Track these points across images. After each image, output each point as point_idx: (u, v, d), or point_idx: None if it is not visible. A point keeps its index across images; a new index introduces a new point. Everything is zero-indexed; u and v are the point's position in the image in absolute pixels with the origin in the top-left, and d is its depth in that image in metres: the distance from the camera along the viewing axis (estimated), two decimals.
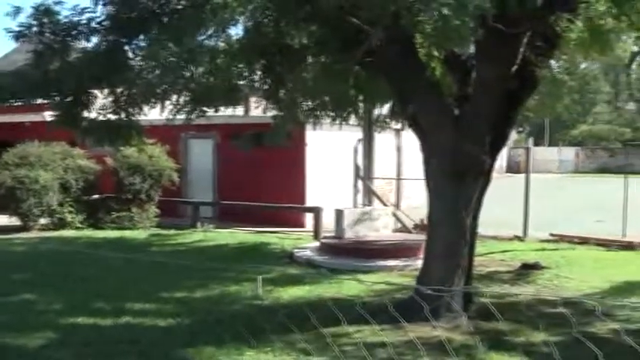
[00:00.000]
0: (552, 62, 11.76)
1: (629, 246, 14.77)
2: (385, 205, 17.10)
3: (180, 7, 7.97)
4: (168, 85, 8.59)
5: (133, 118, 9.73)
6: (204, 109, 9.68)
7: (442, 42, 6.32)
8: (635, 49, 10.03)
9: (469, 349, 7.28)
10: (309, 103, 11.04)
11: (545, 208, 22.21)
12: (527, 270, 12.04)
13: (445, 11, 5.03)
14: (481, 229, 15.50)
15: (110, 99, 9.49)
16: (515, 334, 7.79)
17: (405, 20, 5.59)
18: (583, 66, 55.92)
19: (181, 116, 9.77)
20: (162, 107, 9.38)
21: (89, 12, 8.75)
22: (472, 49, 8.45)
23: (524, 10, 6.78)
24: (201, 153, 21.38)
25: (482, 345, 7.25)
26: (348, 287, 10.08)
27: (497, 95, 8.00)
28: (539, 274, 11.76)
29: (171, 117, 9.71)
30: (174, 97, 9.37)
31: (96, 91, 9.49)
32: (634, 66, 11.37)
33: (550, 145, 63.37)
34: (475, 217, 8.74)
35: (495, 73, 7.83)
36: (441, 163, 8.28)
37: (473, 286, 9.20)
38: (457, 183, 8.16)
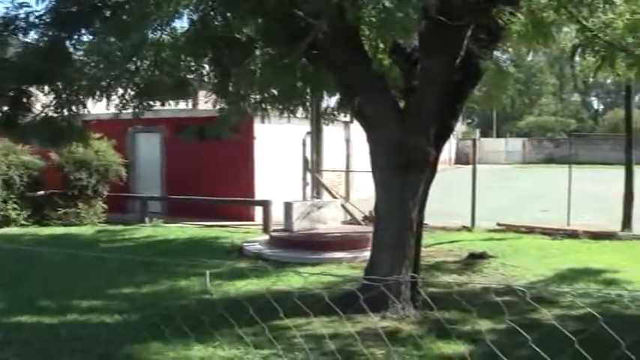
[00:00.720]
0: (499, 54, 11.95)
1: (573, 234, 15.11)
2: (334, 197, 17.17)
3: (122, 0, 7.84)
4: (112, 80, 8.45)
5: (77, 114, 9.55)
6: (151, 103, 9.55)
7: (386, 34, 6.36)
8: (577, 41, 10.21)
9: (417, 339, 7.36)
10: (257, 95, 10.99)
11: (493, 199, 22.59)
12: (474, 260, 12.25)
13: (387, 4, 5.07)
14: (430, 221, 15.74)
15: (52, 96, 9.27)
16: (461, 322, 7.90)
17: (349, 13, 5.60)
18: (529, 58, 56.72)
19: (127, 110, 9.63)
20: (108, 102, 9.22)
21: (27, 6, 8.55)
22: (418, 41, 8.52)
23: (466, 3, 6.86)
24: (149, 147, 21.14)
25: (430, 334, 7.36)
26: (297, 280, 10.10)
27: (441, 87, 8.09)
28: (485, 264, 11.96)
29: (116, 111, 9.56)
30: (120, 91, 9.22)
31: (36, 91, 9.26)
32: (577, 58, 11.54)
33: (498, 136, 64.40)
34: (421, 209, 8.83)
35: (439, 65, 7.91)
36: (386, 155, 8.33)
37: (420, 277, 9.29)
38: (403, 174, 8.23)
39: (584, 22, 9.49)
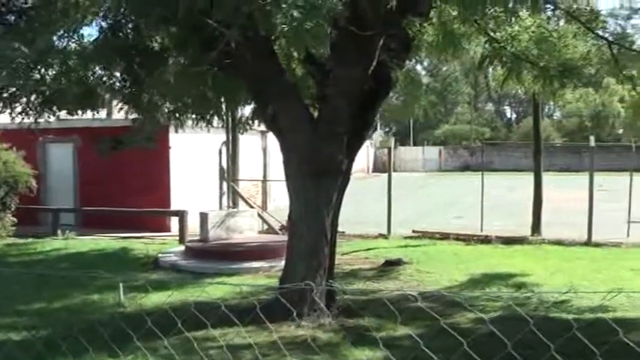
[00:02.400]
0: (414, 64, 12.19)
1: (486, 240, 15.52)
2: (251, 206, 17.11)
3: (28, 6, 7.61)
4: (17, 88, 8.19)
5: None
6: (58, 112, 9.30)
7: (296, 44, 6.38)
8: (485, 52, 10.50)
9: (333, 347, 7.41)
10: (171, 105, 10.86)
11: (410, 206, 22.97)
12: (390, 267, 12.41)
13: (296, 14, 5.09)
14: (348, 228, 15.92)
15: None
16: (377, 329, 7.98)
17: (259, 22, 5.60)
18: (445, 68, 57.97)
19: (31, 120, 9.34)
20: (12, 111, 8.91)
21: None
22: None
23: (377, 13, 6.96)
24: (61, 158, 20.56)
25: (346, 341, 7.40)
26: (214, 290, 9.99)
27: (353, 96, 8.17)
28: (401, 270, 12.14)
29: (19, 121, 9.25)
30: (24, 100, 8.94)
31: None
32: (489, 69, 11.87)
33: (415, 144, 65.47)
34: (335, 216, 8.89)
35: (351, 75, 8.00)
36: (299, 164, 8.37)
37: (335, 284, 9.34)
38: (316, 183, 8.28)
39: (492, 34, 9.80)
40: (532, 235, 15.98)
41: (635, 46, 10.43)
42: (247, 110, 12.30)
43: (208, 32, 7.46)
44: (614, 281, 11.00)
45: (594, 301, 8.88)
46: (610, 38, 10.15)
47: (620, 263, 12.79)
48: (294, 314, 7.92)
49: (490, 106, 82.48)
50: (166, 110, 11.01)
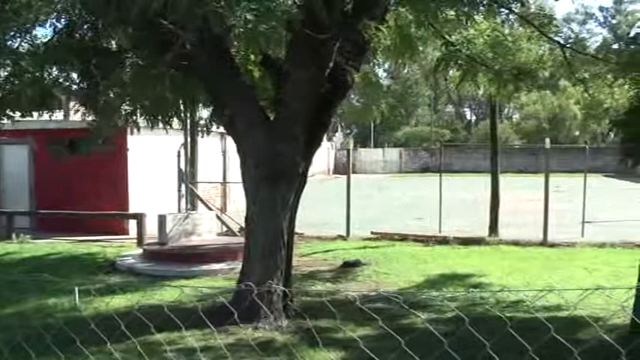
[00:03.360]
0: (374, 67, 12.26)
1: (444, 241, 15.66)
2: (210, 209, 17.02)
3: None
4: None
5: None
6: (11, 114, 9.14)
7: (251, 46, 6.39)
8: (441, 55, 10.64)
9: (290, 348, 7.42)
10: (128, 107, 10.75)
11: (369, 208, 23.06)
12: (348, 268, 12.46)
13: (249, 16, 5.10)
14: (307, 230, 15.95)
15: None
16: (335, 330, 8.00)
17: (214, 24, 5.59)
18: (405, 71, 58.34)
19: None
20: None
21: None
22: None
23: (331, 17, 7.00)
24: (16, 160, 20.18)
25: (303, 343, 7.42)
26: (171, 293, 9.94)
27: (310, 98, 8.20)
28: (359, 272, 12.20)
29: None
30: None
31: None
32: (448, 71, 12.00)
33: (376, 146, 65.76)
34: (292, 218, 8.91)
35: (307, 77, 8.02)
36: (256, 166, 8.37)
37: (293, 286, 9.36)
38: (272, 185, 8.29)
39: (447, 38, 9.92)
40: (489, 236, 16.17)
41: (587, 50, 10.66)
42: (206, 113, 12.24)
43: (165, 33, 7.42)
44: (568, 280, 11.20)
45: (550, 300, 9.02)
46: (563, 42, 10.36)
47: (575, 263, 13.04)
48: (251, 316, 7.93)
49: (450, 108, 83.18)
50: (124, 112, 10.90)
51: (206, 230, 14.66)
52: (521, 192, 24.56)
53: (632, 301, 7.79)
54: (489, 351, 3.01)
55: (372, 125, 61.59)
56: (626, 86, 9.37)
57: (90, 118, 10.75)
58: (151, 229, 15.56)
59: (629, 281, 9.53)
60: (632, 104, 7.33)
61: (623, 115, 7.92)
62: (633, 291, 7.60)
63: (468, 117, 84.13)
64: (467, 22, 9.30)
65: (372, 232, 16.66)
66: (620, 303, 7.83)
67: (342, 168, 51.77)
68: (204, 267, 12.21)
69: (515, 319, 8.17)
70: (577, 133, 52.74)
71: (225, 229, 16.68)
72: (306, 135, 8.38)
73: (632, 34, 7.70)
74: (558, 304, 8.93)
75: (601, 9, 71.62)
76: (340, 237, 16.53)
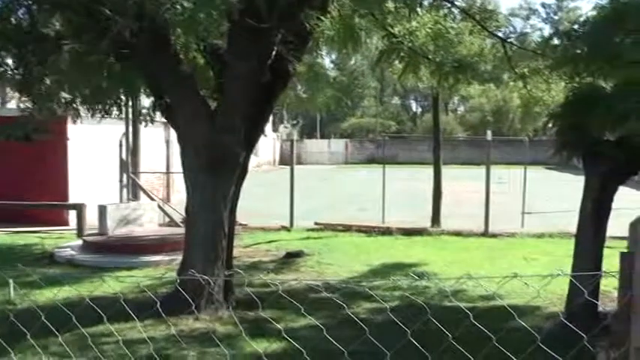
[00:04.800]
0: (319, 58, 12.23)
1: (387, 231, 15.79)
2: (152, 199, 16.82)
3: None
4: None
5: None
6: None
7: (189, 35, 6.30)
8: (384, 47, 10.67)
9: (231, 339, 7.40)
10: (67, 95, 10.51)
11: (314, 198, 23.12)
12: (291, 258, 12.48)
13: (186, 4, 5.03)
14: (251, 221, 15.89)
15: None
16: (277, 320, 7.98)
17: (150, 11, 5.49)
18: (352, 62, 58.37)
19: None
20: None
21: None
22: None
23: (272, 7, 6.95)
24: None
25: (245, 334, 7.40)
26: (112, 285, 9.78)
27: (251, 88, 8.15)
28: (302, 262, 12.22)
29: None
30: None
31: None
32: (391, 63, 12.04)
33: (322, 137, 65.90)
34: (233, 208, 8.86)
35: (248, 67, 7.96)
36: (197, 156, 8.29)
37: (234, 275, 9.31)
38: (213, 175, 8.22)
39: (390, 30, 9.95)
40: (432, 227, 16.37)
41: (528, 46, 10.82)
42: (148, 101, 12.05)
43: (103, 20, 7.27)
44: (509, 270, 11.39)
45: (490, 289, 9.18)
46: (504, 37, 10.50)
47: (515, 253, 13.31)
48: (192, 307, 7.87)
49: (396, 100, 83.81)
50: (63, 100, 10.65)
51: (148, 221, 14.49)
52: (464, 183, 24.96)
53: (567, 289, 8.02)
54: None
55: (318, 116, 61.72)
56: (562, 83, 9.59)
57: (25, 106, 10.49)
58: (92, 220, 15.29)
59: (566, 270, 9.74)
60: (568, 97, 7.49)
61: (559, 108, 8.08)
62: (568, 279, 7.81)
63: (414, 109, 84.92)
64: (410, 15, 9.36)
65: (316, 223, 16.70)
66: (551, 290, 8.02)
67: (288, 159, 51.55)
68: (146, 258, 12.06)
69: (458, 307, 8.28)
70: (519, 125, 53.63)
71: (167, 219, 16.50)
72: (247, 125, 8.32)
73: (566, 30, 7.85)
74: (498, 292, 9.11)
75: (543, 5, 72.92)
76: (284, 228, 16.53)
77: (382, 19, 9.21)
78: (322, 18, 7.82)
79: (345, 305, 8.54)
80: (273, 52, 7.93)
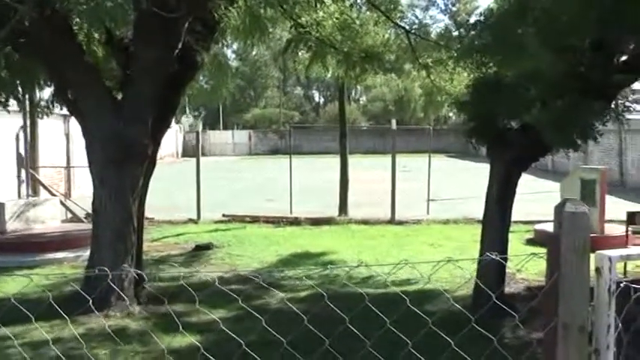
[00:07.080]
0: (222, 49, 12.10)
1: (295, 221, 15.86)
2: (53, 194, 16.26)
3: None
4: None
5: None
6: None
7: (94, 24, 6.10)
8: (290, 36, 10.71)
9: (143, 335, 7.25)
10: None
11: (220, 190, 22.93)
12: (200, 251, 12.38)
13: None
14: (157, 214, 15.61)
15: None
16: (190, 314, 7.92)
17: None
18: (254, 53, 58.02)
19: None
20: None
21: None
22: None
23: None
24: None
25: (157, 329, 7.27)
26: (13, 285, 9.40)
27: (158, 78, 7.99)
28: (212, 255, 12.13)
29: None
30: None
31: None
32: (295, 53, 12.09)
33: (225, 128, 65.36)
34: (142, 202, 8.70)
35: (155, 56, 7.81)
36: (103, 149, 8.07)
37: (144, 271, 9.15)
38: (120, 168, 8.03)
39: (297, 20, 9.98)
40: (339, 216, 16.53)
41: (430, 36, 11.08)
42: (47, 93, 11.63)
43: (1, 6, 6.96)
44: (416, 256, 11.66)
45: (399, 275, 9.36)
46: (408, 28, 10.72)
47: (421, 239, 13.62)
48: (102, 304, 7.68)
49: (299, 90, 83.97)
50: None
51: (49, 217, 13.98)
52: (370, 172, 25.30)
53: (475, 274, 8.25)
54: (349, 325, 3.06)
55: (221, 107, 61.15)
56: (465, 74, 9.85)
57: None
58: None
59: (472, 254, 10.04)
60: (475, 86, 7.67)
61: (466, 98, 8.27)
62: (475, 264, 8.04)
63: (317, 99, 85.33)
64: (316, 5, 9.40)
65: (224, 215, 16.59)
66: (464, 275, 8.25)
67: (191, 150, 50.92)
68: (49, 255, 11.64)
69: (369, 294, 8.40)
70: (422, 114, 54.78)
71: (70, 215, 16.00)
72: (155, 116, 8.16)
73: (472, 21, 8.06)
74: (408, 278, 9.30)
75: None
76: (191, 220, 16.34)
77: (290, 9, 9.21)
78: (230, 8, 7.73)
79: (256, 296, 8.55)
80: (181, 42, 7.79)
